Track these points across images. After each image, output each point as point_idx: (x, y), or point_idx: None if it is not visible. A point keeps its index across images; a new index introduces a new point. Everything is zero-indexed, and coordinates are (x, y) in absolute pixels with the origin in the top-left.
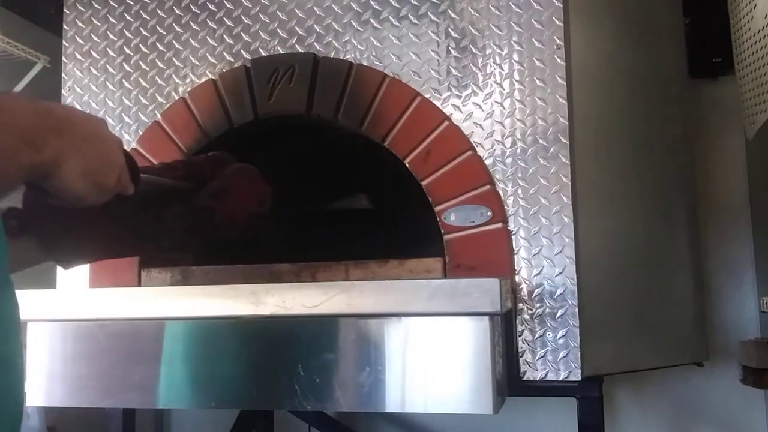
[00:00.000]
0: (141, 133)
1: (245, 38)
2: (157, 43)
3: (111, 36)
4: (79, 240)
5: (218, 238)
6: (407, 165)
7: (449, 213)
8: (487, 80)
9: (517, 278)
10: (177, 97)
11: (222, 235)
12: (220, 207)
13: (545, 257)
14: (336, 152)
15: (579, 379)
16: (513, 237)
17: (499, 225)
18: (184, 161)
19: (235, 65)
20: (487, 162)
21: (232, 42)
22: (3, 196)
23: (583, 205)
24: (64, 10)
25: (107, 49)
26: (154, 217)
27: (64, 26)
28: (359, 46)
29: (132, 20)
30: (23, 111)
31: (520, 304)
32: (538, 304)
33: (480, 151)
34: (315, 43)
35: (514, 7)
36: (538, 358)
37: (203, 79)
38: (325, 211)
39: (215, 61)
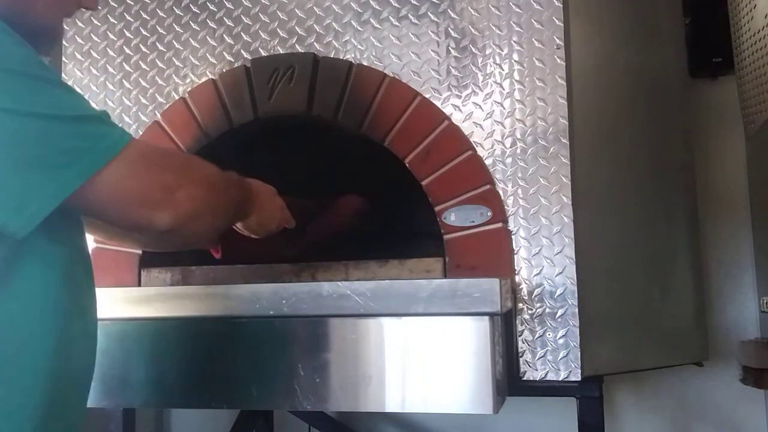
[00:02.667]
0: (141, 133)
1: (245, 38)
2: (157, 43)
3: (111, 36)
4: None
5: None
6: (407, 165)
7: (449, 213)
8: (487, 80)
9: (517, 278)
10: (177, 97)
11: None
12: (335, 219)
13: (545, 257)
14: (336, 152)
15: (579, 379)
16: (513, 237)
17: (499, 225)
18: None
19: (235, 65)
20: (487, 162)
21: (232, 42)
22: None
23: (583, 205)
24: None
25: (107, 49)
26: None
27: (64, 26)
28: (359, 46)
29: (132, 20)
30: (235, 183)
31: (520, 304)
32: (538, 304)
33: (480, 151)
34: (315, 43)
35: (514, 7)
36: (538, 358)
37: (203, 79)
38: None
39: (215, 61)
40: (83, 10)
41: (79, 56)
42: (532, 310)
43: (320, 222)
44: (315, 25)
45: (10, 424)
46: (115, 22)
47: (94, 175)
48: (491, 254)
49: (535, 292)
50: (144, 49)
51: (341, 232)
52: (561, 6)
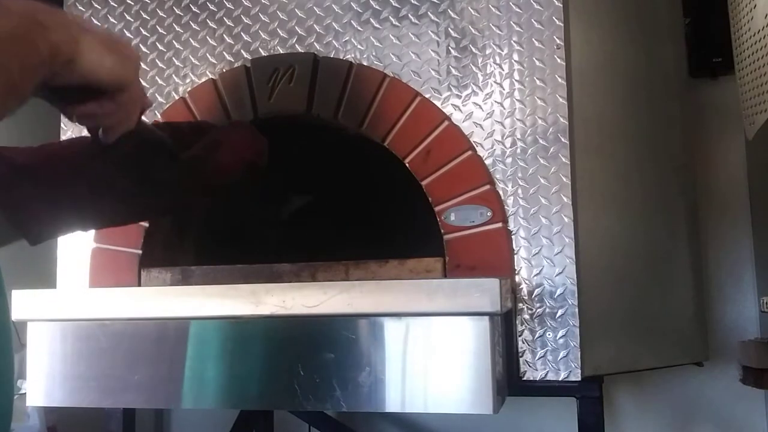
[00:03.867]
0: None
1: (245, 38)
2: (157, 43)
3: None
4: (52, 209)
5: (210, 191)
6: (407, 165)
7: (449, 213)
8: (487, 80)
9: (517, 278)
10: (177, 97)
11: (215, 185)
12: (214, 157)
13: (545, 257)
14: (336, 152)
15: (579, 379)
16: (513, 237)
17: (499, 225)
18: (170, 123)
19: (235, 65)
20: (487, 162)
21: (232, 42)
22: (26, 96)
23: (583, 205)
24: (64, 10)
25: None
26: (138, 179)
27: None
28: (359, 46)
29: (132, 20)
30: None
31: (520, 304)
32: (538, 304)
33: (480, 151)
34: (315, 43)
35: (514, 7)
36: (538, 358)
37: (203, 79)
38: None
39: (215, 61)
40: (83, 9)
41: None
42: (532, 310)
43: (204, 155)
44: (315, 25)
45: None
46: (115, 22)
47: None
48: (491, 254)
49: (535, 292)
50: (144, 49)
51: (230, 178)
52: (561, 6)
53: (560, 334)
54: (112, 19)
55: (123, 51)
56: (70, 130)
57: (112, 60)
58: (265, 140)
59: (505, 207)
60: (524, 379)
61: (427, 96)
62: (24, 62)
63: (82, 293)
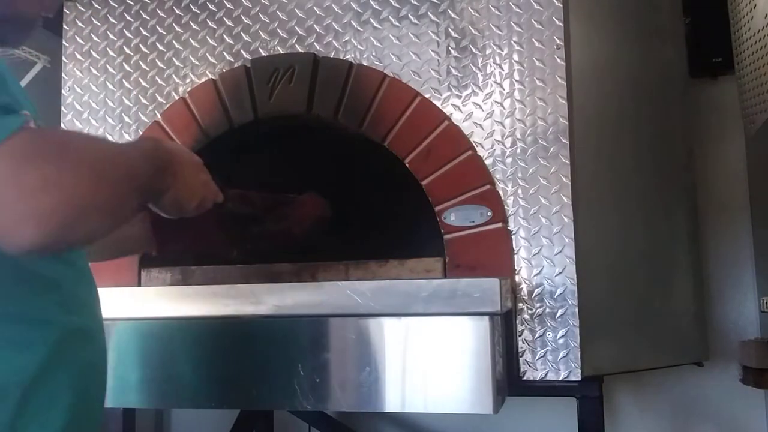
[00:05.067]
0: (141, 133)
1: (245, 38)
2: (157, 43)
3: (111, 36)
4: (183, 237)
5: (284, 243)
6: (407, 165)
7: (449, 213)
8: (487, 80)
9: (517, 278)
10: (177, 97)
11: (288, 240)
12: (290, 223)
13: (545, 257)
14: (336, 152)
15: (579, 379)
16: (513, 237)
17: (499, 225)
18: (262, 193)
19: (235, 65)
20: (487, 162)
21: (232, 42)
22: (129, 219)
23: (583, 205)
24: (64, 10)
25: (107, 49)
26: (242, 226)
27: (64, 26)
28: (359, 46)
29: (132, 20)
30: (139, 160)
31: (520, 304)
32: (538, 304)
33: (480, 151)
34: (315, 43)
35: (514, 7)
36: (538, 358)
37: (203, 79)
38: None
39: (215, 61)
40: (83, 9)
41: (79, 56)
42: (532, 310)
43: (271, 225)
44: (315, 25)
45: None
46: (115, 22)
47: None
48: (491, 254)
49: (535, 292)
50: (144, 49)
51: (296, 241)
52: (561, 6)
53: (560, 334)
54: (112, 19)
55: (187, 203)
56: (70, 113)
57: (175, 207)
58: (325, 202)
59: (505, 207)
60: (524, 379)
61: (427, 96)
62: (143, 199)
63: None
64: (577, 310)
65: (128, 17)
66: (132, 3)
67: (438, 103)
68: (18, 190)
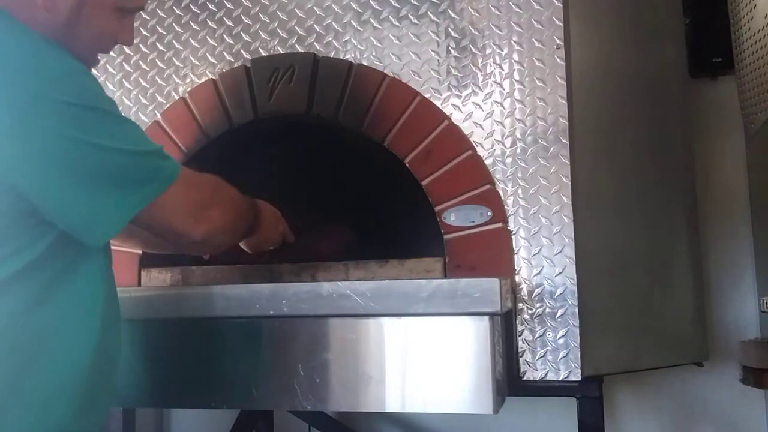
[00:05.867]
0: None
1: (245, 38)
2: (157, 43)
3: None
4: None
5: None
6: (407, 165)
7: (449, 213)
8: (487, 80)
9: (517, 278)
10: (177, 97)
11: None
12: (319, 244)
13: (545, 257)
14: (336, 152)
15: (579, 379)
16: (513, 237)
17: (499, 225)
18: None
19: (235, 65)
20: (487, 162)
21: (232, 42)
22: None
23: (583, 205)
24: None
25: None
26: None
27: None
28: (359, 46)
29: None
30: (246, 205)
31: (520, 304)
32: (538, 304)
33: (480, 151)
34: (315, 43)
35: (514, 7)
36: (538, 358)
37: (203, 79)
38: None
39: (215, 61)
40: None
41: None
42: (532, 310)
43: (304, 246)
44: (315, 25)
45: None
46: None
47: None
48: (491, 254)
49: (535, 292)
50: (144, 49)
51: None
52: (561, 6)
53: (560, 334)
54: None
55: (265, 245)
56: None
57: (258, 246)
58: (353, 233)
59: (505, 207)
60: (524, 379)
61: (427, 96)
62: (243, 236)
63: None
64: (577, 310)
65: None
66: None
67: (438, 103)
68: (194, 206)
